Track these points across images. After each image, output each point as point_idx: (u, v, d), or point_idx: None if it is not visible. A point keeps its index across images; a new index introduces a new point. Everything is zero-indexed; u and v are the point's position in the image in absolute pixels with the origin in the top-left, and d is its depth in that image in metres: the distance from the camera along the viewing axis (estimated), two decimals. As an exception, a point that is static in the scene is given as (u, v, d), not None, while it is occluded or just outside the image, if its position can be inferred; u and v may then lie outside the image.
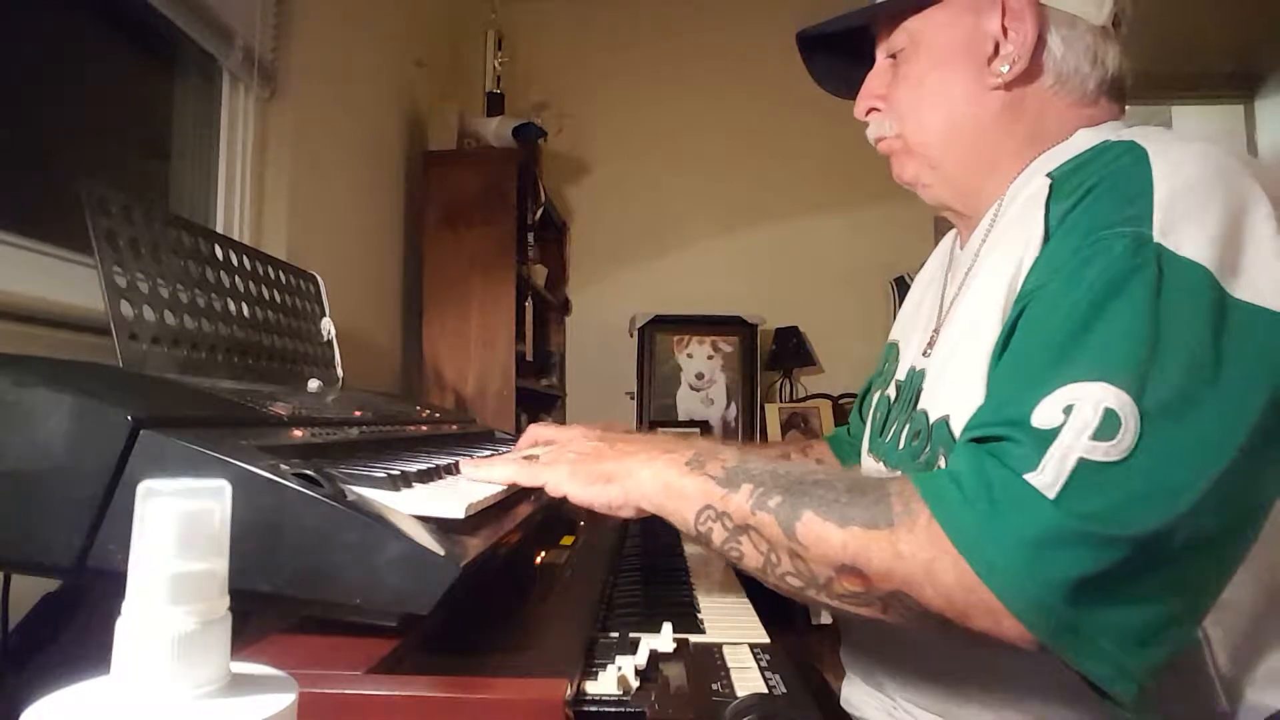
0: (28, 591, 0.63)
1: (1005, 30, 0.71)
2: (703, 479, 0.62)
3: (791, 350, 3.05)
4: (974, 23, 0.72)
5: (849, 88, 0.85)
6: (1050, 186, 0.65)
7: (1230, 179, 0.57)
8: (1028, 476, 0.51)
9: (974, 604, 0.51)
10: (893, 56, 0.78)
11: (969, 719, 0.66)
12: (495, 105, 2.63)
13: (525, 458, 0.74)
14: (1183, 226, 0.55)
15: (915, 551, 0.52)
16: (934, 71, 0.75)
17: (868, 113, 0.81)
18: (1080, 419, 0.51)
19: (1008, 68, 0.71)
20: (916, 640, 0.68)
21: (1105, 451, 0.50)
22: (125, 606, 0.26)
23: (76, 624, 0.62)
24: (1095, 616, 0.49)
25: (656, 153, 3.20)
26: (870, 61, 0.82)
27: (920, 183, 0.79)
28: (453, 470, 0.73)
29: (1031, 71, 0.71)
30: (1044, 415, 0.52)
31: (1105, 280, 0.54)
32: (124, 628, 0.26)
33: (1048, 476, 0.50)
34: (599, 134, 3.19)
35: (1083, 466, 0.50)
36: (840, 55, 0.85)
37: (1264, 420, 0.51)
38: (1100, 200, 0.59)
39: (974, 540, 0.51)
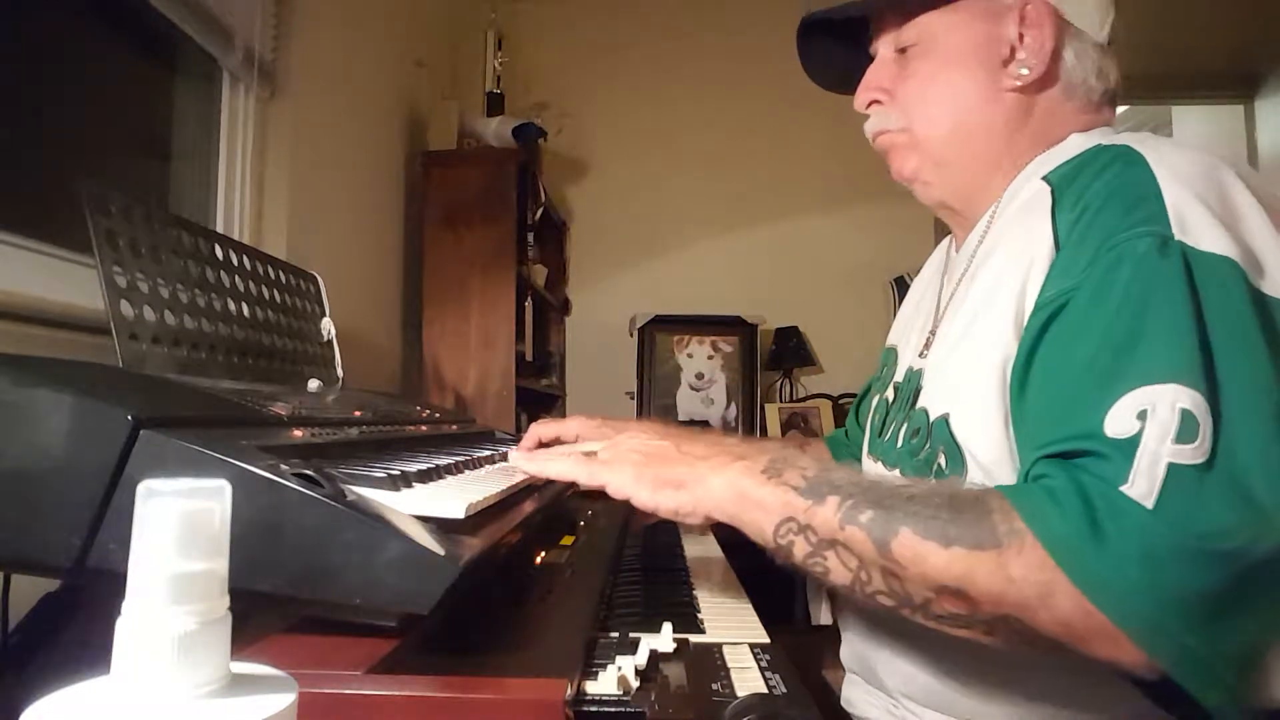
0: (28, 591, 0.63)
1: (1021, 36, 0.72)
2: (782, 489, 0.59)
3: (791, 350, 3.05)
4: (991, 26, 0.73)
5: (841, 82, 0.85)
6: (1052, 194, 0.65)
7: (1223, 181, 0.59)
8: (1122, 489, 0.49)
9: (1093, 629, 0.49)
10: (900, 51, 0.78)
11: (970, 713, 0.66)
12: (495, 105, 2.63)
13: (585, 454, 0.71)
14: (1198, 224, 0.55)
15: (1027, 574, 0.50)
16: (947, 69, 0.75)
17: (869, 105, 0.80)
18: (1159, 423, 0.50)
19: (1027, 71, 0.72)
20: (916, 637, 0.68)
21: (1191, 455, 0.49)
22: (125, 606, 0.26)
23: (76, 624, 0.62)
24: (1213, 637, 0.48)
25: (656, 153, 3.20)
26: (867, 55, 0.81)
27: (921, 179, 0.79)
28: (453, 470, 0.73)
29: (1046, 78, 0.72)
30: (1118, 424, 0.51)
31: (1140, 281, 0.54)
32: (124, 628, 0.26)
33: (1141, 486, 0.49)
34: (599, 134, 3.19)
35: (1174, 472, 0.49)
36: (838, 45, 0.85)
37: None
38: (1110, 206, 0.59)
39: (1083, 563, 0.49)
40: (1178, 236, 0.55)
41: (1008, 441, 0.63)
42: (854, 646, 0.79)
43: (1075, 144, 0.70)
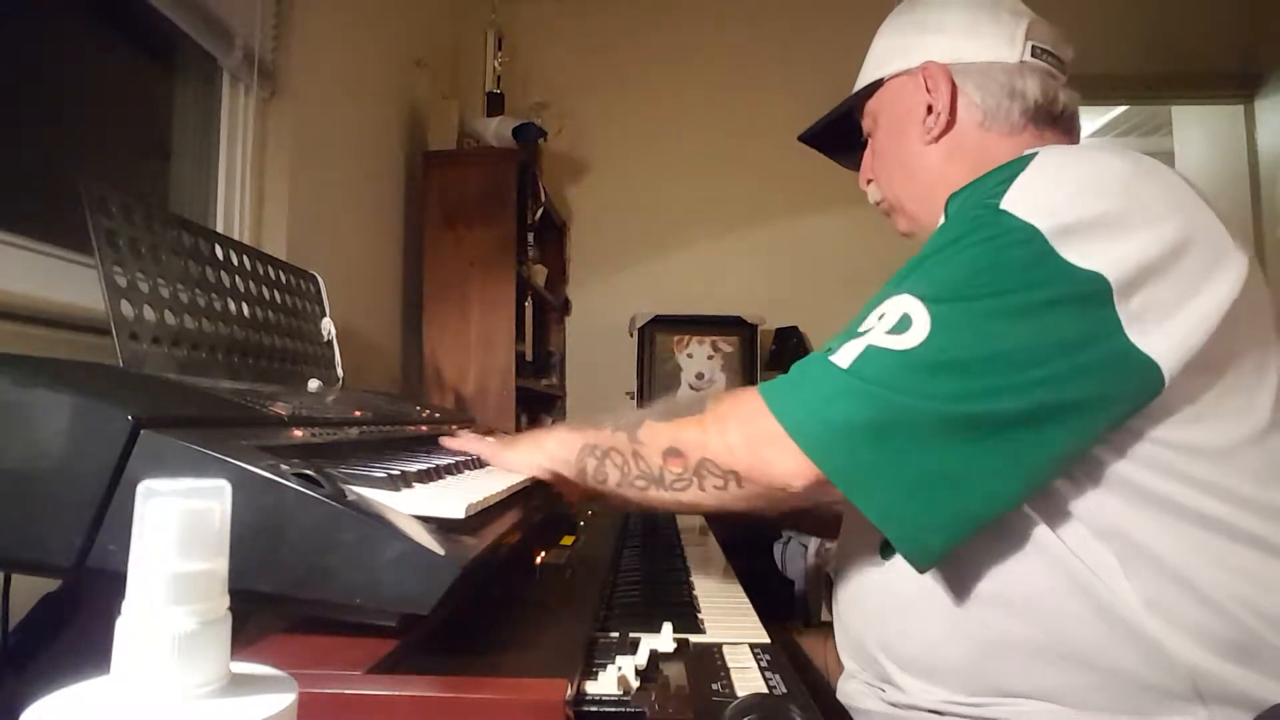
0: (28, 591, 0.63)
1: (929, 94, 0.83)
2: (581, 429, 0.77)
3: (791, 350, 3.04)
4: (907, 95, 0.86)
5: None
6: (945, 208, 0.75)
7: (1108, 160, 0.65)
8: (830, 358, 0.63)
9: (770, 454, 0.62)
10: (870, 135, 0.93)
11: (965, 688, 0.67)
12: (495, 105, 2.63)
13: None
14: (1029, 198, 0.62)
15: (712, 422, 0.67)
16: (890, 140, 0.89)
17: (866, 184, 0.95)
18: (884, 320, 0.62)
19: (934, 123, 0.84)
20: (906, 612, 0.70)
21: (893, 341, 0.60)
22: (125, 606, 0.26)
23: (76, 624, 0.62)
24: (869, 459, 0.59)
25: (656, 153, 3.19)
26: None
27: (909, 231, 0.92)
28: (453, 470, 0.73)
29: (954, 119, 0.83)
30: (868, 322, 0.64)
31: (948, 236, 0.65)
32: (124, 628, 0.26)
33: (842, 357, 0.62)
34: (599, 134, 3.19)
35: (870, 349, 0.61)
36: (852, 136, 1.00)
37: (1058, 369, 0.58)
38: (972, 194, 0.69)
39: (780, 400, 0.63)
40: (1003, 206, 0.63)
41: None
42: (845, 633, 0.80)
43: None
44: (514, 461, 0.81)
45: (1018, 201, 0.62)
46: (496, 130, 2.43)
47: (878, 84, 0.89)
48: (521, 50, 3.02)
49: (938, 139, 0.84)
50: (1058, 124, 0.82)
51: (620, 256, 3.19)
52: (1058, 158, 0.67)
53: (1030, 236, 0.60)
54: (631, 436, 0.71)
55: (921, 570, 0.61)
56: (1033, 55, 0.81)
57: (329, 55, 1.82)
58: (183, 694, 0.26)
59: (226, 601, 0.28)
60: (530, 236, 2.54)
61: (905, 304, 0.62)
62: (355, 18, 1.97)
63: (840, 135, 0.99)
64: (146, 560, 0.26)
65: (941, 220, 0.79)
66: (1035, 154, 0.68)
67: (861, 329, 0.64)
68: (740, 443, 0.64)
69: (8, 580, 0.62)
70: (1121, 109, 3.74)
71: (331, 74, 1.84)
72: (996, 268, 0.61)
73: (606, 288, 3.17)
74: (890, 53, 0.88)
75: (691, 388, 2.95)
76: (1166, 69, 2.95)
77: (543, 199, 2.59)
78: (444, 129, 2.41)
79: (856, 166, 1.01)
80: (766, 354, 3.04)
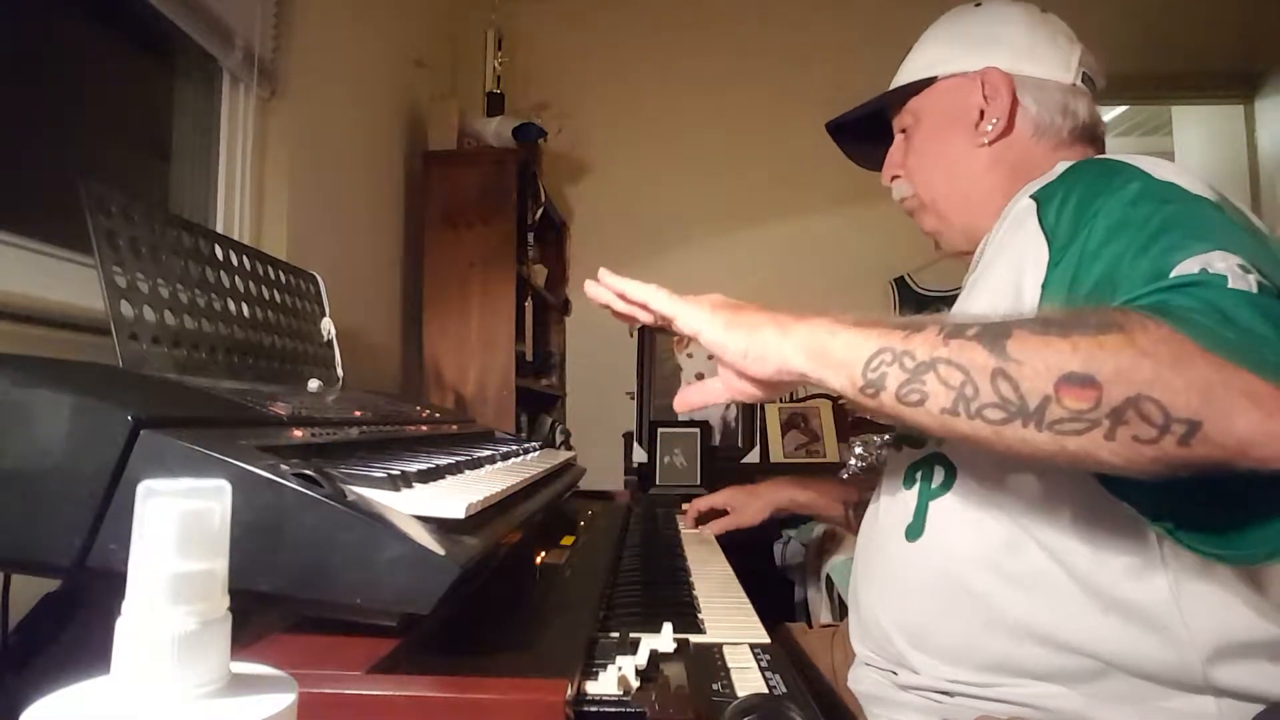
0: (28, 591, 0.63)
1: (986, 99, 0.85)
2: (873, 326, 0.57)
3: (791, 350, 3.04)
4: (961, 96, 0.87)
5: (876, 161, 1.01)
6: (1037, 204, 0.71)
7: (1197, 182, 0.65)
8: (1228, 285, 0.52)
9: (1233, 385, 0.47)
10: (904, 131, 0.93)
11: (978, 667, 0.68)
12: (495, 105, 2.63)
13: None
14: (1179, 180, 0.63)
15: (1156, 344, 0.48)
16: (934, 140, 0.90)
17: (891, 179, 0.95)
18: (1221, 268, 0.52)
19: (991, 126, 0.85)
20: (928, 591, 0.72)
21: (1253, 285, 0.52)
22: (125, 606, 0.26)
23: (76, 624, 0.62)
24: None
25: (656, 153, 3.19)
26: (890, 135, 0.96)
27: (938, 233, 0.92)
28: (453, 470, 0.73)
29: (1010, 127, 0.85)
30: (1184, 271, 0.53)
31: (1149, 194, 0.61)
32: (124, 628, 0.26)
33: (1240, 284, 0.51)
34: (599, 134, 3.19)
35: (1259, 288, 0.52)
36: (868, 134, 1.00)
37: None
38: (1091, 185, 0.66)
39: (1212, 331, 0.49)
40: (1163, 177, 0.62)
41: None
42: (859, 615, 0.82)
43: (1062, 167, 0.76)
44: (740, 345, 0.62)
45: (1173, 183, 0.62)
46: (496, 130, 2.43)
47: (928, 81, 0.90)
48: (521, 50, 3.02)
49: (991, 144, 0.86)
50: (1095, 144, 0.87)
51: (620, 256, 3.18)
52: (1143, 160, 0.67)
53: (1217, 205, 0.61)
54: (996, 350, 0.52)
55: None
56: (1082, 81, 0.86)
57: (329, 55, 1.82)
58: (183, 694, 0.26)
59: (226, 601, 0.28)
60: (530, 236, 2.54)
61: (1219, 257, 0.53)
62: (355, 18, 1.97)
63: (861, 128, 1.00)
64: (146, 560, 0.26)
65: (989, 223, 0.80)
66: (1108, 158, 0.69)
67: (1188, 273, 0.53)
68: (1207, 369, 0.47)
69: (8, 580, 0.62)
70: (1121, 109, 3.74)
71: (331, 74, 1.83)
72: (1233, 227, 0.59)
73: (606, 288, 3.16)
74: (947, 53, 0.89)
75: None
76: (1166, 69, 2.95)
77: (543, 199, 2.59)
78: (444, 129, 2.41)
79: (866, 161, 1.03)
80: (766, 354, 3.04)
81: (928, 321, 0.56)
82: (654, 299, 0.70)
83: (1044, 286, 0.64)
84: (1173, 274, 0.53)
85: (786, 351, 0.60)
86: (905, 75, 0.93)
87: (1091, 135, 0.87)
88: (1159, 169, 0.65)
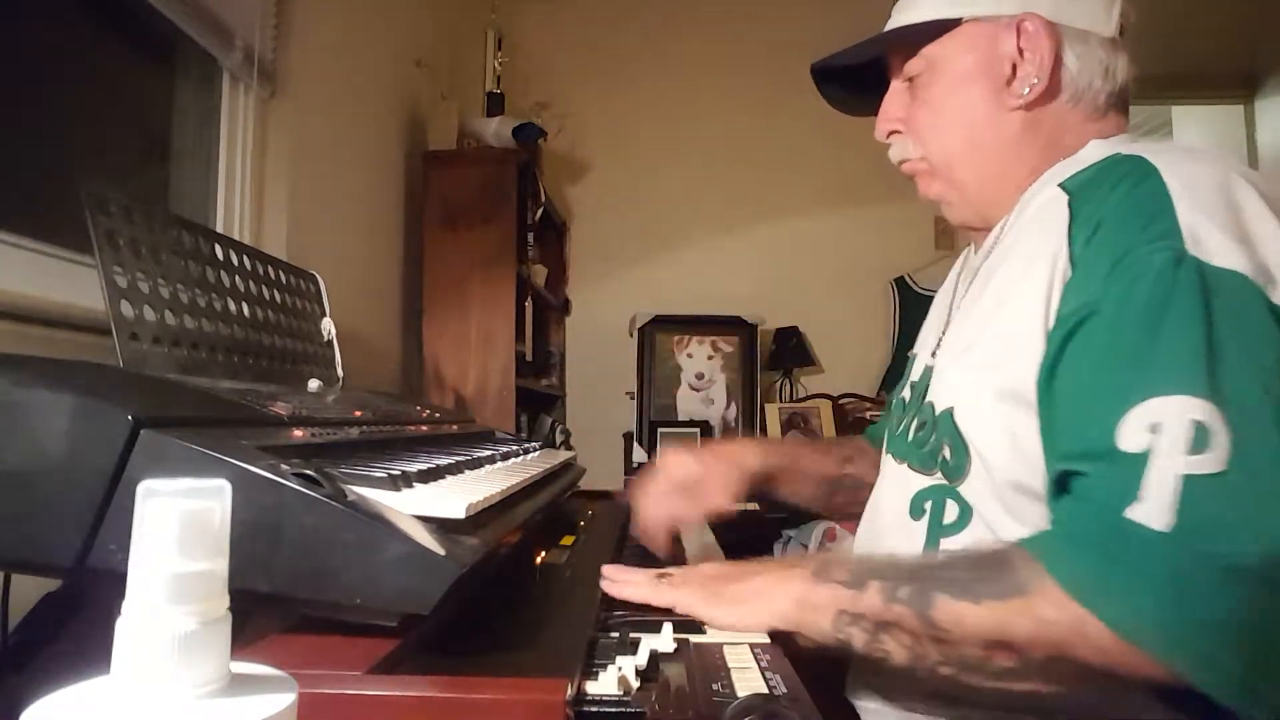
0: (28, 591, 0.63)
1: (1021, 52, 0.72)
2: (831, 586, 0.61)
3: (791, 350, 3.04)
4: (990, 46, 0.74)
5: (862, 108, 0.87)
6: (1069, 204, 0.65)
7: (1237, 193, 0.59)
8: (1130, 512, 0.50)
9: (1136, 661, 0.49)
10: (910, 80, 0.80)
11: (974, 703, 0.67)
12: (495, 105, 2.63)
13: (658, 576, 0.71)
14: (1210, 239, 0.56)
15: (1057, 614, 0.52)
16: (953, 95, 0.76)
17: (888, 135, 0.82)
18: (1169, 436, 0.50)
19: (1028, 89, 0.72)
20: None
21: (1204, 464, 0.49)
22: (125, 606, 0.26)
23: (76, 624, 0.62)
24: (1256, 654, 0.48)
25: (656, 153, 3.19)
26: (881, 85, 0.83)
27: (945, 201, 0.81)
28: (454, 470, 0.73)
29: (1050, 90, 0.73)
30: (1130, 438, 0.52)
31: (1154, 296, 0.55)
32: (124, 628, 0.26)
33: (1152, 505, 0.50)
34: (599, 134, 3.19)
35: (1188, 485, 0.49)
36: (851, 79, 0.87)
37: None
38: (1124, 223, 0.60)
39: (1106, 599, 0.50)
40: (1191, 252, 0.55)
41: (1007, 439, 0.65)
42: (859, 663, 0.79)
43: (1094, 151, 0.71)
44: (731, 620, 0.64)
45: (1203, 242, 0.55)
46: (496, 130, 2.43)
47: (950, 24, 0.75)
48: (521, 50, 3.02)
49: (1026, 108, 0.73)
50: (1125, 109, 0.76)
51: (620, 256, 3.19)
52: (1182, 171, 0.60)
53: (1242, 286, 0.54)
54: (924, 619, 0.56)
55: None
56: (1121, 33, 0.73)
57: (329, 55, 1.82)
58: (183, 694, 0.26)
59: (226, 601, 0.28)
60: (530, 236, 2.54)
61: (1181, 408, 0.51)
62: (355, 18, 1.97)
63: (849, 67, 0.85)
64: (146, 560, 0.26)
65: (1009, 199, 0.73)
66: (1148, 163, 0.61)
67: (1130, 447, 0.52)
68: (1107, 639, 0.50)
69: (8, 580, 0.62)
70: (1121, 109, 3.74)
71: (331, 74, 1.84)
72: (1244, 341, 0.53)
73: (606, 288, 3.17)
74: None
75: (692, 388, 2.95)
76: (1166, 69, 2.95)
77: (543, 199, 2.59)
78: (444, 129, 2.41)
79: (849, 105, 0.88)
80: (766, 354, 3.04)
81: (867, 577, 0.60)
82: (650, 598, 0.68)
83: (1055, 325, 0.62)
84: (1117, 438, 0.53)
85: (768, 618, 0.63)
86: (918, 11, 0.77)
87: (1124, 100, 0.75)
88: (1201, 226, 0.56)
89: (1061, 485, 0.60)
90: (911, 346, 0.95)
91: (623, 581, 0.69)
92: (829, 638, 0.61)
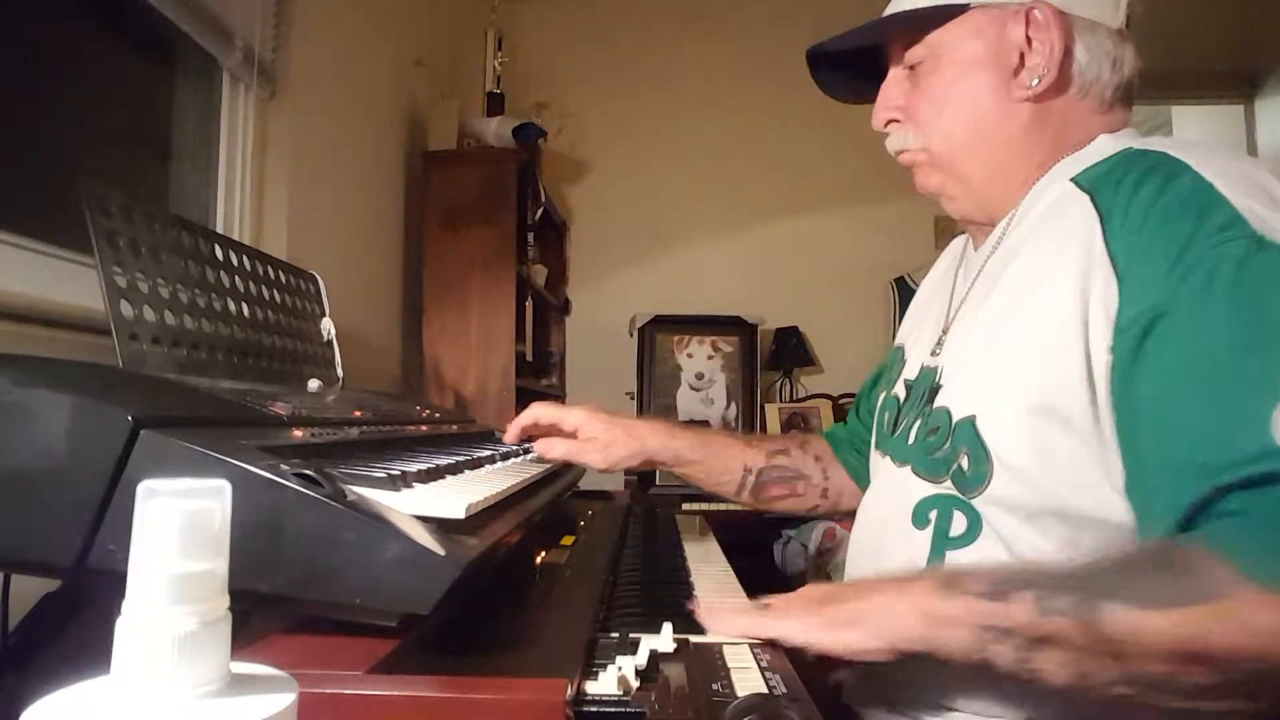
0: (28, 591, 0.63)
1: (1030, 41, 0.70)
2: (967, 599, 0.55)
3: (791, 350, 3.05)
4: (998, 34, 0.72)
5: (856, 95, 0.85)
6: (1094, 204, 0.63)
7: (1265, 183, 0.58)
8: None
9: None
10: (911, 68, 0.77)
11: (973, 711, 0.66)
12: (495, 105, 2.63)
13: (761, 606, 0.65)
14: (1274, 218, 0.55)
15: (1266, 618, 0.46)
16: (958, 84, 0.74)
17: (886, 124, 0.80)
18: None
19: (1037, 80, 0.70)
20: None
21: None
22: (125, 606, 0.26)
23: (76, 624, 0.62)
24: None
25: (656, 152, 3.20)
26: (878, 72, 0.81)
27: (945, 194, 0.79)
28: (454, 470, 0.73)
29: (1060, 82, 0.71)
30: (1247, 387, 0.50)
31: (1251, 282, 0.53)
32: (124, 628, 0.26)
33: None
34: (599, 134, 3.19)
35: None
36: (848, 67, 0.84)
37: None
38: (1175, 217, 0.57)
39: None
40: (1266, 235, 0.54)
41: (1039, 453, 0.63)
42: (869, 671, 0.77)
43: (1103, 146, 0.70)
44: (854, 645, 0.58)
45: (1269, 222, 0.54)
46: (496, 130, 2.43)
47: (956, 9, 0.73)
48: (521, 50, 3.02)
49: (1034, 100, 0.71)
50: (1130, 103, 0.74)
51: (620, 256, 3.19)
52: (1215, 165, 0.59)
53: None
54: (1093, 632, 0.50)
55: None
56: (1127, 24, 0.71)
57: (329, 55, 1.82)
58: (183, 694, 0.26)
59: (226, 601, 0.28)
60: (530, 236, 2.54)
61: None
62: (355, 18, 1.97)
63: (846, 53, 0.82)
64: (146, 560, 0.26)
65: (1014, 194, 0.72)
66: (1174, 158, 0.60)
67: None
68: None
69: (8, 580, 0.62)
70: (1121, 109, 3.74)
71: (331, 74, 1.84)
72: None
73: (606, 288, 3.17)
74: None
75: (692, 388, 2.95)
76: (1166, 69, 2.95)
77: (543, 199, 2.59)
78: (444, 129, 2.41)
79: (843, 92, 0.86)
80: (766, 354, 3.04)
81: (1013, 588, 0.53)
82: (755, 631, 0.61)
83: (1116, 333, 0.58)
84: (1274, 435, 0.49)
85: (893, 637, 0.57)
86: None
87: (1129, 94, 0.73)
88: (1260, 209, 0.55)
89: (1206, 505, 0.53)
90: None
91: (720, 614, 0.64)
92: (968, 656, 0.55)
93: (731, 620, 0.63)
